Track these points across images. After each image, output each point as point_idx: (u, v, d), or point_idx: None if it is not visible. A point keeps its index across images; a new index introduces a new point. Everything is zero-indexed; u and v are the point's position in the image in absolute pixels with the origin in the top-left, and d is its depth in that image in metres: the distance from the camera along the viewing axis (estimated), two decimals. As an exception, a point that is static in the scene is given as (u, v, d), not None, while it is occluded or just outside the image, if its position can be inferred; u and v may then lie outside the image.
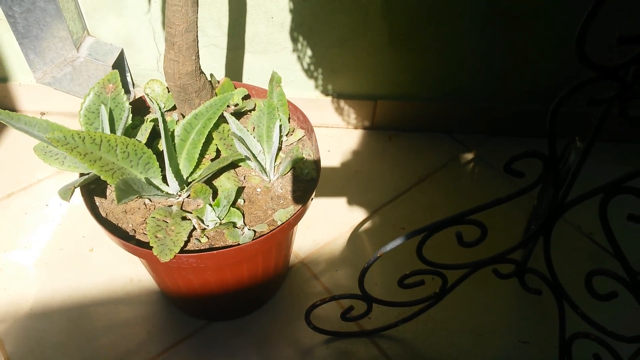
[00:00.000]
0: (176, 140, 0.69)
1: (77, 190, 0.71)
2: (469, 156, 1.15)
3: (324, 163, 1.12)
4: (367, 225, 1.01)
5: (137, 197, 0.65)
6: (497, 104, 1.13)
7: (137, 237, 0.67)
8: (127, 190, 0.59)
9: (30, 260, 0.93)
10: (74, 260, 0.93)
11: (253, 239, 0.66)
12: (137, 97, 0.83)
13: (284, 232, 0.68)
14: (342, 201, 1.05)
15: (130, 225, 0.69)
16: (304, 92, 1.13)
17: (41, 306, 0.87)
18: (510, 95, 1.11)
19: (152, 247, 0.62)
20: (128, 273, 0.92)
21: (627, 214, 0.55)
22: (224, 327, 0.85)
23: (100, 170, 0.64)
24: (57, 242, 0.96)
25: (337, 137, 1.18)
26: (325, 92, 1.14)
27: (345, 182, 1.09)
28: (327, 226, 1.01)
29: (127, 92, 1.15)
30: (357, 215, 1.03)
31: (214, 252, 0.63)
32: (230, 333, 0.85)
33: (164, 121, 0.64)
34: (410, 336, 0.86)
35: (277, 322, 0.86)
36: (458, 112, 1.15)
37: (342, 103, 1.15)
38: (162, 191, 0.68)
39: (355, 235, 0.99)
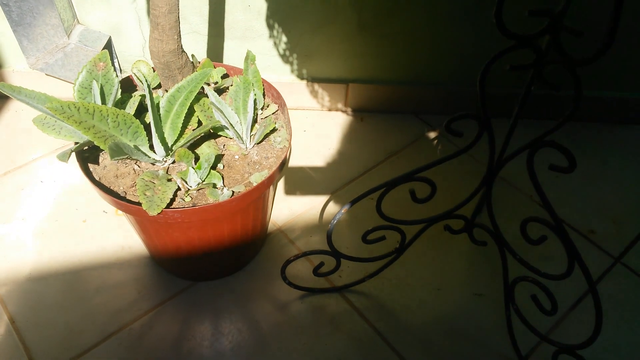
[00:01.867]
0: (161, 111, 0.77)
1: (71, 166, 0.79)
2: (433, 134, 1.25)
3: (300, 142, 1.21)
4: (339, 196, 1.10)
5: (127, 158, 0.74)
6: (458, 87, 1.22)
7: (128, 197, 0.76)
8: (118, 150, 0.68)
9: (27, 230, 1.01)
10: (68, 230, 1.01)
11: (231, 197, 0.74)
12: (126, 77, 0.91)
13: (259, 191, 0.76)
14: (317, 175, 1.14)
15: (122, 188, 0.77)
16: (281, 76, 1.22)
17: (39, 271, 0.95)
18: (469, 78, 1.21)
19: (142, 202, 0.70)
20: (119, 241, 1.00)
21: (549, 165, 0.64)
22: (208, 287, 0.94)
23: (94, 137, 0.72)
24: (52, 215, 1.04)
25: (313, 118, 1.27)
26: (300, 76, 1.22)
27: (320, 158, 1.18)
28: (303, 198, 1.09)
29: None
30: (330, 187, 1.12)
31: (197, 207, 0.72)
32: (214, 292, 0.93)
33: (150, 92, 0.73)
34: (377, 291, 0.95)
35: (256, 281, 0.95)
36: (423, 94, 1.24)
37: (316, 86, 1.24)
38: (149, 157, 0.76)
39: (328, 206, 1.08)
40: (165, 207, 0.71)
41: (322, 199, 1.10)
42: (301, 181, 1.13)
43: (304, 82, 1.23)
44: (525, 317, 0.82)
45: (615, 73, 1.20)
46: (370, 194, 0.76)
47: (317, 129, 1.25)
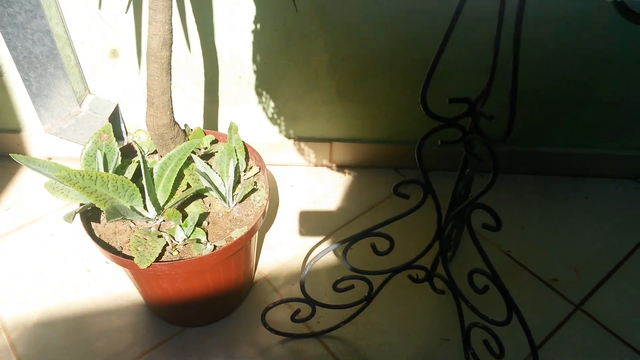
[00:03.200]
0: (154, 176, 0.89)
1: (78, 221, 0.90)
2: (411, 187, 1.35)
3: (288, 196, 1.32)
4: (321, 246, 1.20)
5: (122, 219, 0.85)
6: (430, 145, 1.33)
7: (124, 252, 0.87)
8: (115, 212, 0.79)
9: (37, 280, 1.12)
10: (74, 279, 1.12)
11: (212, 251, 0.85)
12: (127, 144, 1.03)
13: (238, 245, 0.87)
14: (302, 227, 1.24)
15: (119, 243, 0.88)
16: (270, 136, 1.34)
17: (46, 318, 1.05)
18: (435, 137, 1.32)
19: (134, 257, 0.81)
20: (119, 290, 1.10)
21: (481, 224, 0.74)
22: (197, 332, 1.03)
23: (96, 200, 0.84)
24: (60, 265, 1.15)
25: (300, 173, 1.39)
26: (287, 136, 1.35)
27: (306, 210, 1.28)
28: (288, 247, 1.19)
29: (121, 138, 1.36)
30: (314, 238, 1.22)
31: (182, 261, 0.82)
32: (202, 337, 1.02)
33: (144, 162, 0.85)
34: (352, 336, 1.03)
35: (241, 327, 1.04)
36: (401, 152, 1.35)
37: (302, 145, 1.36)
38: (142, 216, 0.88)
39: (311, 255, 1.18)
40: (155, 261, 0.81)
41: (306, 248, 1.19)
42: (287, 232, 1.23)
43: (292, 141, 1.35)
44: (480, 360, 0.90)
45: (575, 132, 1.30)
46: (334, 248, 0.86)
47: (304, 183, 1.36)
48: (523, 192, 1.35)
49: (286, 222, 1.26)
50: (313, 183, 1.37)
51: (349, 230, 1.23)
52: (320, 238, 1.22)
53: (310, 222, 1.26)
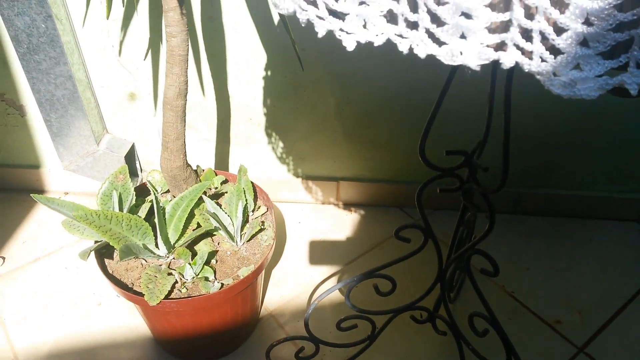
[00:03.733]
0: (166, 215, 0.93)
1: (91, 257, 0.95)
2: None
3: (295, 233, 1.36)
4: (327, 283, 1.22)
5: (134, 257, 0.89)
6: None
7: (135, 288, 0.90)
8: (128, 252, 0.83)
9: (50, 311, 1.15)
10: (85, 312, 1.15)
11: (220, 289, 0.88)
12: (141, 183, 1.08)
13: (244, 283, 0.90)
14: (308, 264, 1.27)
15: (130, 279, 0.92)
16: (279, 174, 1.39)
17: (57, 349, 1.08)
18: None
19: (144, 294, 0.84)
20: (128, 323, 1.13)
21: (480, 269, 0.77)
22: (202, 367, 1.05)
23: (110, 238, 0.88)
24: (72, 298, 1.18)
25: (307, 211, 1.43)
26: (295, 175, 1.39)
27: (312, 247, 1.31)
28: (294, 284, 1.22)
29: (136, 175, 1.42)
30: (319, 275, 1.24)
31: (189, 298, 0.85)
32: (207, 372, 1.04)
33: (157, 202, 0.89)
34: (355, 375, 1.04)
35: (246, 362, 1.06)
36: (405, 191, 1.39)
37: (310, 183, 1.40)
38: (154, 254, 0.92)
39: (317, 292, 1.20)
40: (164, 298, 0.85)
41: (312, 285, 1.22)
42: (293, 269, 1.26)
43: (299, 179, 1.39)
44: (482, 403, 0.90)
45: (578, 175, 1.33)
46: (337, 288, 0.88)
47: (311, 220, 1.40)
48: (528, 233, 1.37)
49: (292, 258, 1.29)
50: (319, 220, 1.40)
51: (355, 268, 1.26)
52: (326, 275, 1.24)
53: (316, 259, 1.28)
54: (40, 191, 1.46)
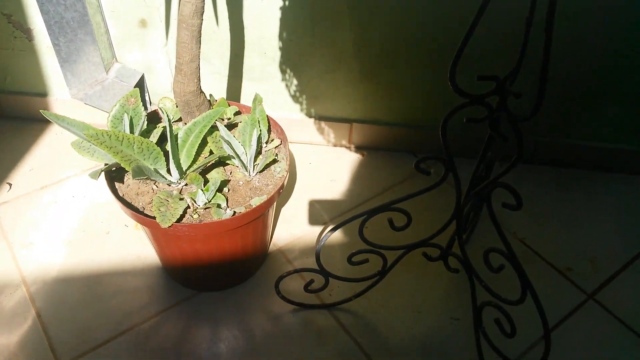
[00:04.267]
0: (179, 141, 0.91)
1: (99, 184, 0.93)
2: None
3: (305, 173, 1.34)
4: (336, 222, 1.21)
5: (145, 179, 0.87)
6: (455, 131, 1.34)
7: (146, 212, 0.89)
8: (140, 172, 0.81)
9: (57, 238, 1.15)
10: (93, 240, 1.15)
11: (232, 217, 0.87)
12: (152, 110, 1.05)
13: (257, 212, 0.89)
14: (318, 204, 1.26)
15: (141, 204, 0.90)
16: (291, 113, 1.36)
17: (65, 274, 1.08)
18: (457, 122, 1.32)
19: (156, 216, 0.83)
20: (137, 252, 1.13)
21: (502, 202, 0.75)
22: (210, 297, 1.05)
23: (121, 160, 0.86)
24: (80, 225, 1.18)
25: (318, 152, 1.40)
26: (308, 115, 1.36)
27: (322, 188, 1.30)
28: (304, 223, 1.21)
29: (145, 108, 1.38)
30: (329, 214, 1.23)
31: (202, 223, 0.84)
32: (215, 301, 1.04)
33: (170, 125, 0.87)
34: (363, 310, 1.05)
35: (254, 294, 1.06)
36: (419, 136, 1.36)
37: (322, 124, 1.37)
38: (165, 178, 0.90)
39: (325, 231, 1.19)
40: (176, 222, 0.83)
41: (322, 224, 1.21)
42: (303, 208, 1.25)
43: (312, 119, 1.36)
44: (492, 341, 0.90)
45: (599, 126, 1.30)
46: (352, 220, 0.87)
47: (322, 162, 1.38)
48: (544, 183, 1.35)
49: (303, 198, 1.27)
50: (331, 162, 1.38)
51: (364, 210, 1.24)
52: (335, 215, 1.23)
53: (327, 200, 1.27)
54: (46, 122, 1.44)
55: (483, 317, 0.92)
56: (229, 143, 0.90)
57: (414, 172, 1.35)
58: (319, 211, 1.24)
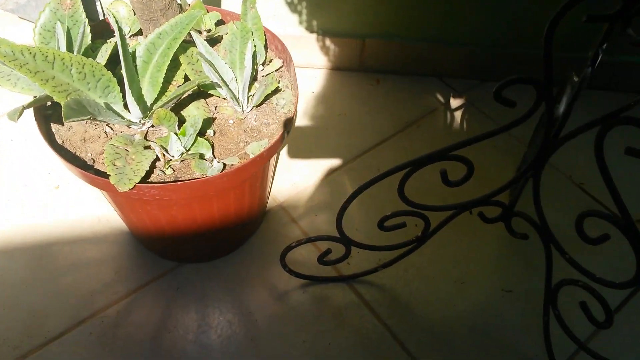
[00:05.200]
0: (138, 62, 0.63)
1: (30, 116, 0.65)
2: (459, 102, 1.09)
3: (308, 105, 1.07)
4: (350, 169, 0.96)
5: (91, 120, 0.59)
6: (490, 48, 1.06)
7: (97, 166, 0.62)
8: (79, 109, 0.54)
9: (-9, 196, 0.88)
10: (38, 197, 0.88)
11: (222, 172, 0.61)
12: (101, 20, 0.76)
13: (256, 165, 0.63)
14: (324, 145, 1.00)
15: (89, 154, 0.63)
16: (287, 27, 1.06)
17: (3, 244, 0.82)
18: (503, 39, 1.04)
19: (110, 175, 0.56)
20: (96, 212, 0.87)
21: (625, 147, 0.50)
22: (195, 269, 0.81)
23: (53, 91, 0.58)
24: (21, 178, 0.90)
25: (322, 79, 1.12)
26: (309, 29, 1.07)
27: (329, 125, 1.03)
28: (308, 170, 0.96)
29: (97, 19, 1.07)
30: (339, 159, 0.98)
31: (178, 183, 0.58)
32: (202, 275, 0.81)
33: (122, 37, 0.58)
34: (390, 282, 0.82)
35: (252, 265, 0.82)
36: (449, 55, 1.08)
37: (327, 41, 1.08)
38: (122, 117, 0.62)
39: (336, 180, 0.95)
40: (141, 182, 0.57)
41: (330, 171, 0.96)
42: (307, 150, 0.99)
43: (314, 35, 1.07)
44: (568, 327, 0.70)
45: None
46: (390, 174, 0.62)
47: (327, 90, 1.10)
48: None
49: (306, 137, 1.01)
50: (339, 91, 1.10)
51: (383, 152, 0.99)
52: (349, 159, 0.98)
53: (335, 139, 1.01)
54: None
55: (559, 298, 0.70)
56: (211, 64, 0.62)
57: (442, 101, 1.09)
58: (327, 154, 0.99)
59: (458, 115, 1.07)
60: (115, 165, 0.57)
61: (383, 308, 0.79)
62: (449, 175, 0.62)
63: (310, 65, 1.12)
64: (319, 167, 0.96)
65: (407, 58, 1.10)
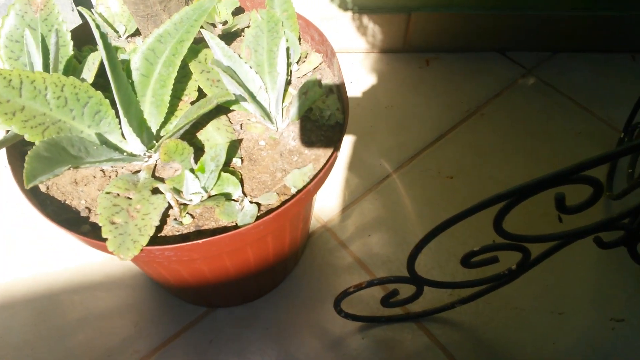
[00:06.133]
0: (135, 76, 0.47)
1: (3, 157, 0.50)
2: (530, 80, 0.91)
3: (345, 98, 0.90)
4: (404, 175, 0.80)
5: (77, 167, 0.44)
6: (562, 11, 0.87)
7: (93, 219, 0.47)
8: (54, 158, 0.38)
9: (-16, 238, 0.74)
10: (40, 237, 0.74)
11: (257, 218, 0.45)
12: (84, 22, 0.60)
13: (301, 203, 0.47)
14: (370, 146, 0.83)
15: (83, 201, 0.48)
16: (317, 8, 0.88)
17: (2, 296, 0.69)
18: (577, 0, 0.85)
19: (107, 239, 0.41)
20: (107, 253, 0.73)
21: None
22: (230, 315, 0.67)
23: (24, 127, 0.43)
24: (18, 214, 0.77)
25: (361, 65, 0.94)
26: (342, 7, 0.89)
27: (375, 121, 0.86)
28: (355, 179, 0.79)
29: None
30: (391, 163, 0.81)
31: (200, 242, 0.43)
32: (238, 322, 0.66)
33: (108, 47, 0.42)
34: (469, 318, 0.66)
35: (296, 305, 0.68)
36: (513, 24, 0.89)
37: (365, 20, 0.90)
38: (122, 151, 0.47)
39: (390, 189, 0.78)
40: (151, 242, 0.42)
41: (381, 179, 0.79)
42: (351, 155, 0.82)
43: (349, 14, 0.89)
44: None
45: None
46: (485, 207, 0.45)
47: (368, 78, 0.92)
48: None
49: (348, 139, 0.85)
50: (383, 78, 0.92)
51: (442, 150, 0.82)
52: (401, 162, 0.81)
53: (384, 138, 0.84)
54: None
55: None
56: (231, 72, 0.46)
57: (508, 82, 0.91)
58: (374, 157, 0.82)
59: (530, 97, 0.88)
60: (114, 223, 0.42)
61: (463, 351, 0.64)
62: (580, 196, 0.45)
63: (344, 49, 0.95)
64: (368, 175, 0.80)
65: (461, 32, 0.91)
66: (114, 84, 0.42)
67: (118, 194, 0.45)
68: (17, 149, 0.51)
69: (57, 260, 0.72)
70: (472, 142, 0.83)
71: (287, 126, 0.52)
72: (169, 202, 0.45)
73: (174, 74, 0.46)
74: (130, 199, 0.45)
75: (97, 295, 0.69)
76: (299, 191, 0.46)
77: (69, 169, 0.41)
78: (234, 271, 0.54)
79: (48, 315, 0.68)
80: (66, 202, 0.48)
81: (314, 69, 0.56)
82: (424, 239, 0.50)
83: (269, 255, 0.55)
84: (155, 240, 0.44)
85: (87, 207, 0.48)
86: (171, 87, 0.46)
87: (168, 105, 0.48)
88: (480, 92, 0.89)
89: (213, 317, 0.67)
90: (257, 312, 0.67)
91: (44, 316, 0.67)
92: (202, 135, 0.51)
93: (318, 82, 0.52)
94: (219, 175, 0.46)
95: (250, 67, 0.49)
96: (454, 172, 0.80)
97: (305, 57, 0.56)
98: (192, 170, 0.45)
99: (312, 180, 0.47)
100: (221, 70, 0.44)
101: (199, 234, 0.46)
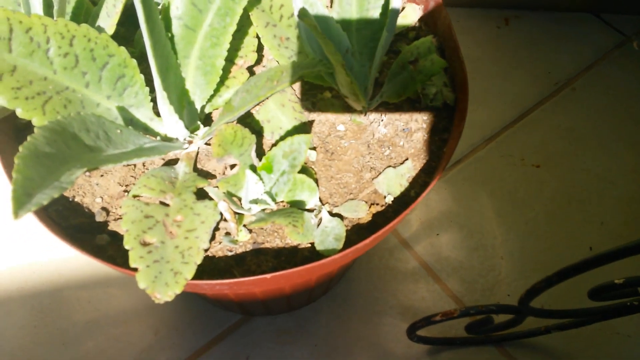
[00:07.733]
0: (176, 28, 0.32)
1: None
2: (630, 50, 0.75)
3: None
4: (478, 160, 0.66)
5: (90, 170, 0.30)
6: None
7: (112, 226, 0.34)
8: (60, 155, 0.25)
9: (-26, 216, 0.62)
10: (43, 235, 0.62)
11: (342, 251, 0.32)
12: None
13: (400, 219, 0.33)
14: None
15: (98, 199, 0.35)
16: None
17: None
18: None
19: (137, 270, 0.28)
20: (121, 237, 0.60)
21: None
22: (270, 326, 0.55)
23: (15, 98, 0.29)
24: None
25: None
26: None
27: (441, 91, 0.72)
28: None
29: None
30: (461, 146, 0.67)
31: (268, 277, 0.29)
32: (280, 335, 0.55)
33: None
34: (562, 344, 0.55)
35: (350, 316, 0.56)
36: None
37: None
38: (154, 133, 0.33)
39: (461, 177, 0.65)
40: (195, 277, 0.29)
41: (451, 165, 0.66)
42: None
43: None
44: None
45: None
46: (612, 260, 0.32)
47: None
48: None
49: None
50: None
51: (525, 131, 0.68)
52: (474, 146, 0.67)
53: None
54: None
55: None
56: (313, 28, 0.31)
57: (603, 50, 0.75)
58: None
59: (629, 70, 0.73)
60: (146, 244, 0.29)
61: (555, 386, 0.53)
62: None
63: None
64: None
65: (550, -14, 0.75)
66: (149, 38, 0.28)
67: (150, 198, 0.31)
68: (10, 122, 0.37)
69: (60, 246, 0.60)
70: (561, 123, 0.69)
71: (377, 106, 0.38)
72: (221, 213, 0.32)
73: (232, 27, 0.32)
74: (167, 205, 0.31)
75: (109, 292, 0.57)
76: (403, 210, 0.33)
77: (85, 173, 0.27)
78: (289, 291, 0.42)
79: (50, 317, 0.56)
80: (75, 200, 0.35)
81: (410, 28, 0.41)
82: (555, 275, 0.37)
83: (332, 272, 0.42)
84: (201, 270, 0.31)
85: (104, 208, 0.35)
86: (227, 46, 0.32)
87: (220, 71, 0.33)
88: (570, 62, 0.74)
89: (250, 327, 0.55)
90: (303, 323, 0.55)
91: (46, 318, 0.56)
92: (260, 113, 0.37)
93: (434, 47, 0.37)
94: (292, 178, 0.33)
95: (337, 22, 0.34)
96: (541, 159, 0.66)
97: (402, 10, 0.42)
98: (253, 168, 0.32)
99: (413, 185, 0.33)
100: (303, 22, 0.30)
101: (258, 253, 0.33)
